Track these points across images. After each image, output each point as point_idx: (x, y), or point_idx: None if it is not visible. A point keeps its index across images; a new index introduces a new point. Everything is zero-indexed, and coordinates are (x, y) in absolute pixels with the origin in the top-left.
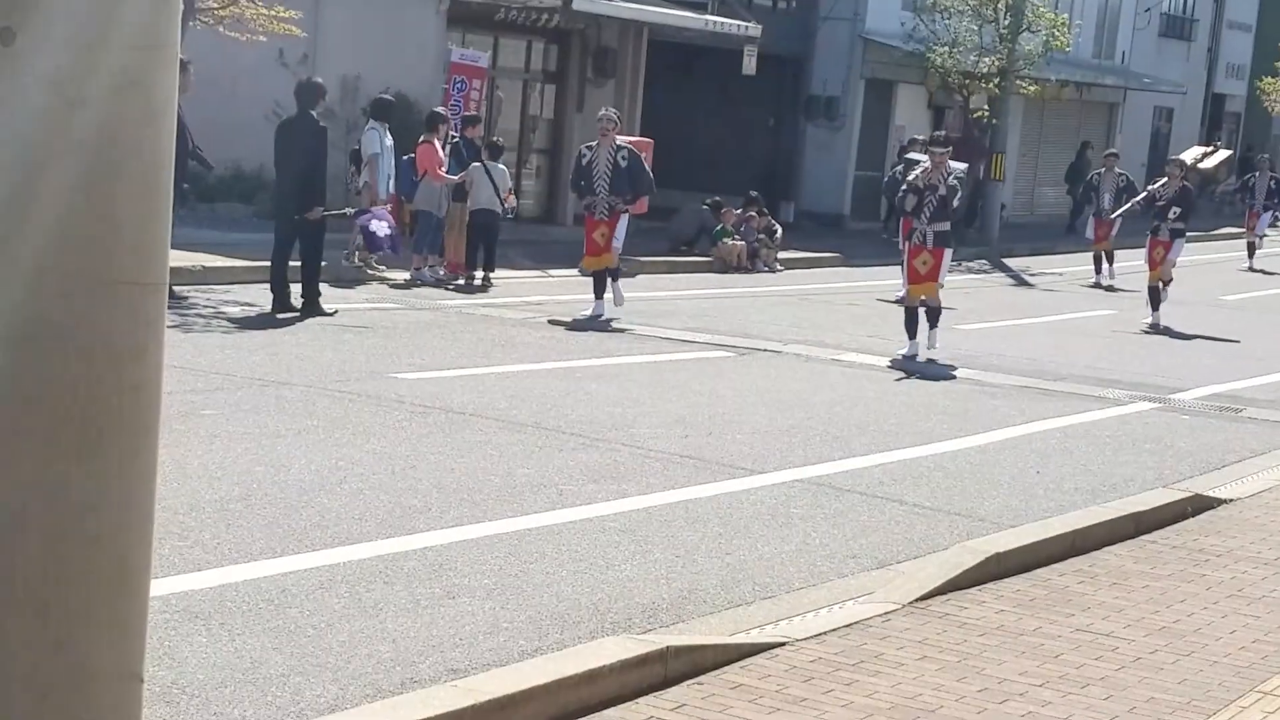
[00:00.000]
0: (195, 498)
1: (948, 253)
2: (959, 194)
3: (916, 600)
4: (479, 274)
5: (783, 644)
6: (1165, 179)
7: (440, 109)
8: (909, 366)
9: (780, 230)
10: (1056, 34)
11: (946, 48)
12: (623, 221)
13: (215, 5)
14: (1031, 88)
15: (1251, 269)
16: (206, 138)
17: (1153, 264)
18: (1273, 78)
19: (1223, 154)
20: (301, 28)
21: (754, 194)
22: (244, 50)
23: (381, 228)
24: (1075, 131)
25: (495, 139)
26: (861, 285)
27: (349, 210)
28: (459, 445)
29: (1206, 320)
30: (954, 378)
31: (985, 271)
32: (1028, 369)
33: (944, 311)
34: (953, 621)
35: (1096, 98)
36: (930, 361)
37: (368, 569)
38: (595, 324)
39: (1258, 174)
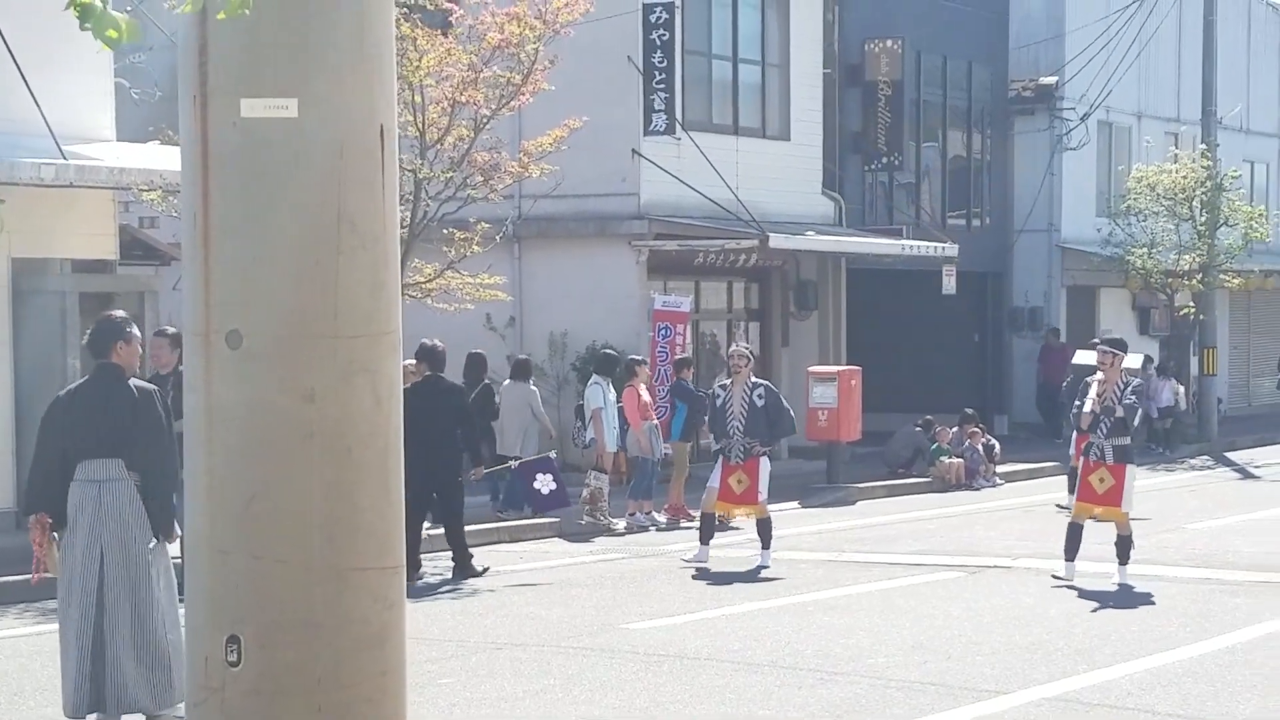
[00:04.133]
0: None
1: (1132, 470)
2: (1138, 411)
3: None
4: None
5: None
6: None
7: (635, 355)
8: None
9: (998, 445)
10: (1254, 226)
11: (1145, 249)
12: (764, 465)
13: (423, 279)
14: (1235, 281)
15: None
16: None
17: None
18: None
19: None
20: (506, 291)
21: (969, 411)
22: (453, 318)
23: (546, 482)
24: None
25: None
26: None
27: (512, 464)
28: (696, 692)
29: None
30: (1153, 602)
31: (1209, 468)
32: (1265, 563)
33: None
34: None
35: None
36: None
37: None
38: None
39: None
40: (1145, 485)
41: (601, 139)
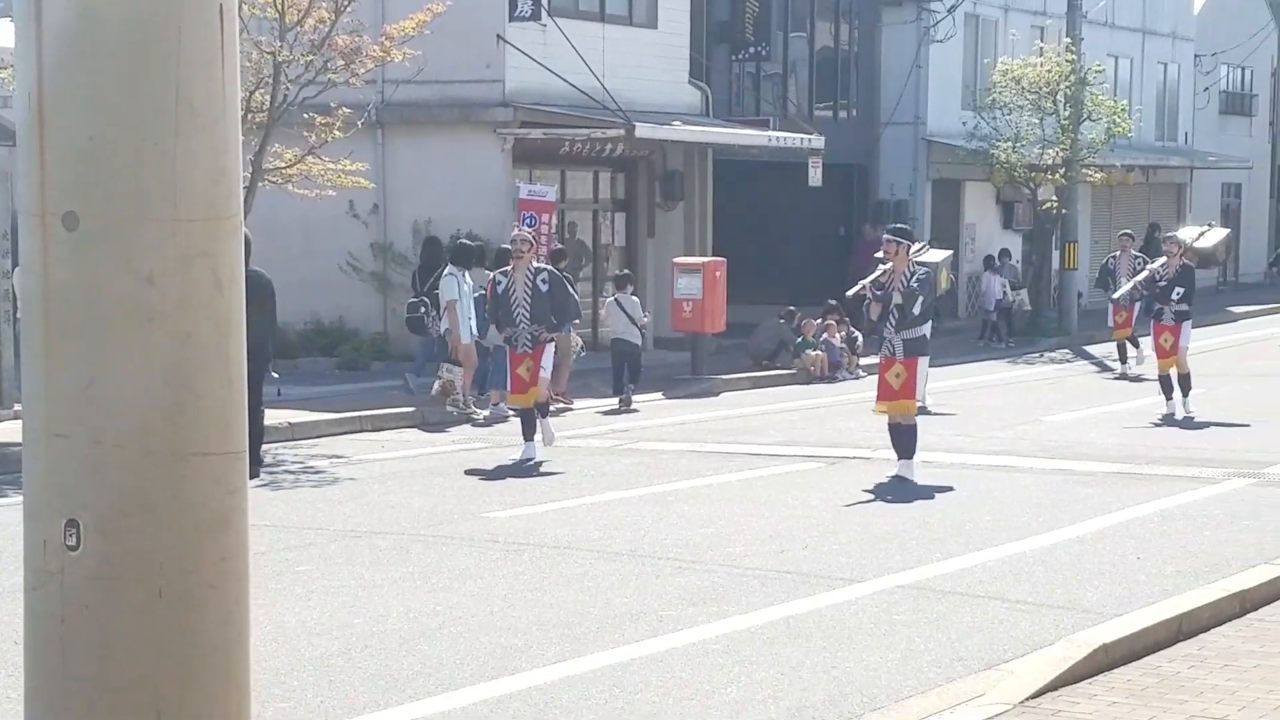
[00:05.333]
0: (296, 656)
1: (923, 362)
2: (919, 299)
3: (1027, 699)
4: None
5: None
6: (1165, 258)
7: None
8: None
9: (861, 337)
10: (1117, 121)
11: (1009, 143)
12: (548, 352)
13: (283, 165)
14: (1097, 175)
15: None
16: (285, 293)
17: (1160, 351)
18: None
19: (1219, 232)
20: (369, 178)
21: (833, 303)
22: (315, 205)
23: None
24: (1145, 214)
25: (625, 270)
26: (945, 386)
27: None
28: (556, 580)
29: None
30: (932, 497)
31: (1068, 361)
32: (1118, 455)
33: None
34: (1065, 718)
35: (1163, 179)
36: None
37: (474, 714)
38: (523, 469)
39: None
40: (1005, 378)
41: (466, 24)
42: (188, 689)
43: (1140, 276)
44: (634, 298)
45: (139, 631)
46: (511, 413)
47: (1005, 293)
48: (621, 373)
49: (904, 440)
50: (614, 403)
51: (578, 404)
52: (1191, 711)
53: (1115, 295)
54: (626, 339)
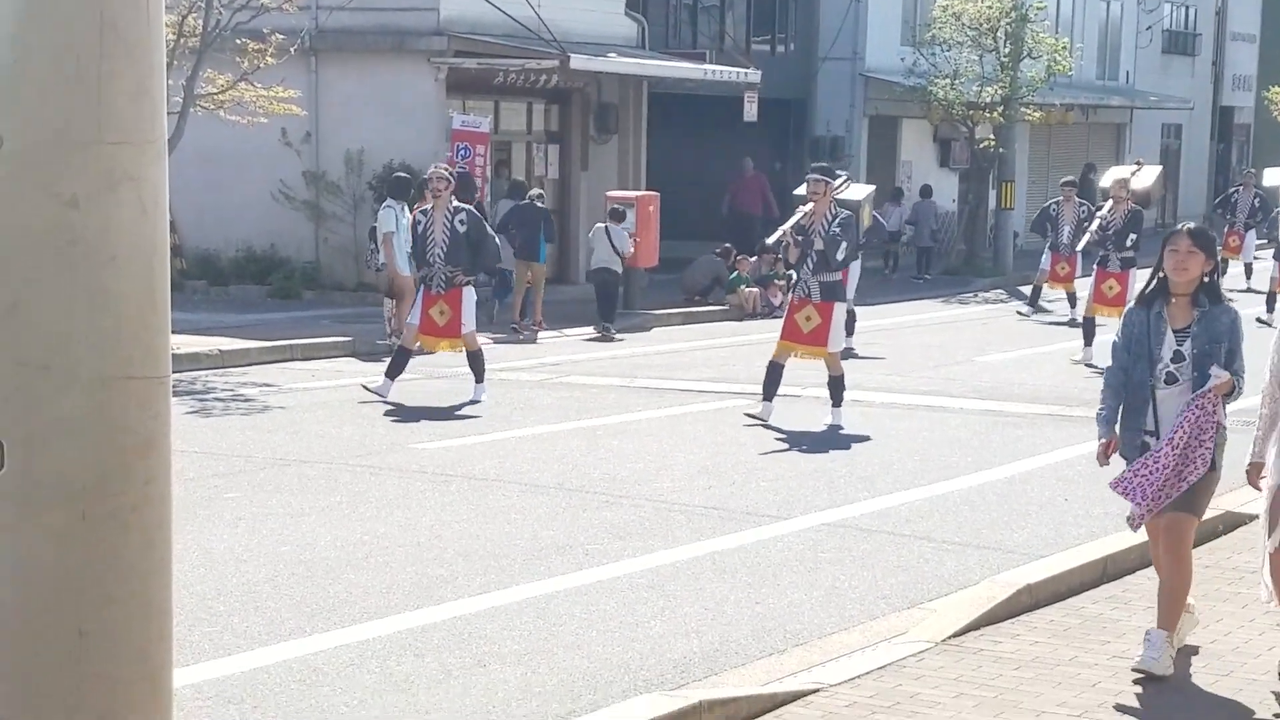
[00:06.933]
0: (222, 582)
1: (840, 308)
2: (841, 244)
3: (950, 638)
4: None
5: (817, 690)
6: (1111, 202)
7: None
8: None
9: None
10: (1058, 59)
11: (948, 80)
12: (468, 298)
13: (215, 90)
14: (1036, 114)
15: (1251, 289)
16: (217, 220)
17: (1100, 297)
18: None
19: (1152, 169)
20: (302, 106)
21: (766, 240)
22: (247, 133)
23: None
24: (1083, 155)
25: (616, 206)
26: (876, 325)
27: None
28: (483, 512)
29: None
30: (862, 436)
31: (1002, 301)
32: (1049, 396)
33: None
34: (987, 657)
35: (1103, 119)
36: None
37: (397, 642)
38: (361, 409)
39: (1240, 189)
40: (938, 317)
41: None
42: (110, 611)
43: (1093, 226)
44: (622, 229)
45: (61, 553)
46: (393, 345)
47: (901, 225)
48: (605, 301)
49: (835, 390)
50: (550, 334)
51: (571, 332)
52: (1114, 651)
53: (1079, 247)
54: (610, 268)
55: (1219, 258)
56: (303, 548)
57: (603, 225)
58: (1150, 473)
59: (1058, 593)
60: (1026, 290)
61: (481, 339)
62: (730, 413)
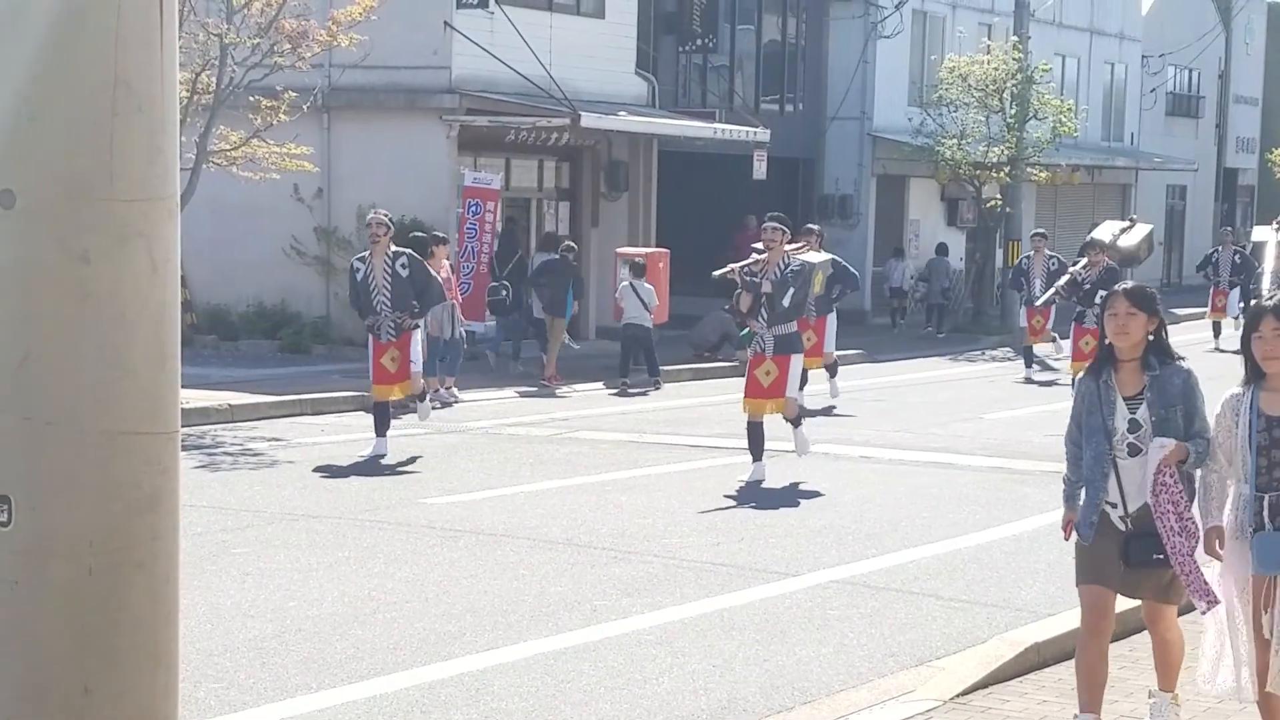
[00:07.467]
0: (229, 638)
1: (795, 360)
2: (789, 290)
3: (957, 696)
4: (635, 383)
5: None
6: (1085, 260)
7: (438, 232)
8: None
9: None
10: (1063, 120)
11: (955, 140)
12: (415, 341)
13: (228, 147)
14: (1042, 175)
15: (1219, 349)
16: (228, 275)
17: (1078, 355)
18: None
19: (1142, 228)
20: (314, 162)
21: (713, 274)
22: (259, 188)
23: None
24: (1089, 214)
25: (638, 259)
26: (885, 381)
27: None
28: (491, 567)
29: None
30: (870, 494)
31: (1009, 359)
32: (1057, 453)
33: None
34: (995, 715)
35: (1108, 180)
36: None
37: (405, 699)
38: (371, 465)
39: (1220, 248)
40: (945, 375)
41: (413, 10)
42: (115, 666)
43: (1061, 281)
44: (649, 285)
45: (67, 608)
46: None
47: (902, 281)
48: (629, 357)
49: (756, 444)
50: (561, 389)
51: (581, 387)
52: (1121, 712)
53: (1039, 301)
54: (639, 323)
55: (1161, 315)
56: (310, 603)
57: (627, 282)
58: (1190, 568)
59: (1066, 651)
60: (1035, 348)
61: (505, 391)
62: (740, 469)
